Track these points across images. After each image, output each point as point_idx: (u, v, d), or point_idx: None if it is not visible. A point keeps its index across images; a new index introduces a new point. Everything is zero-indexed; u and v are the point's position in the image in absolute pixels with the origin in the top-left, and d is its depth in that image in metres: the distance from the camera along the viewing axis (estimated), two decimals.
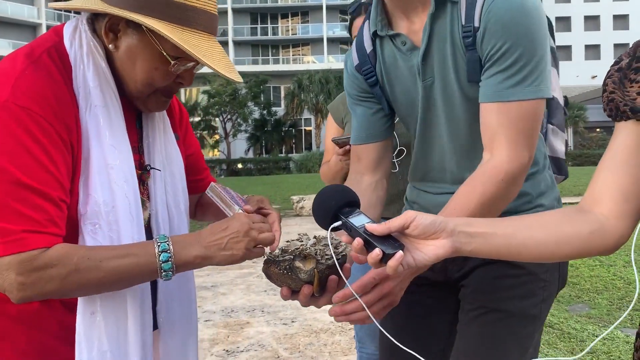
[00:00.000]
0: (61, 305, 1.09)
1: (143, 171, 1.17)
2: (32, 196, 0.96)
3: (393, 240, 0.90)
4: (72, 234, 1.04)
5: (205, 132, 36.44)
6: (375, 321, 1.04)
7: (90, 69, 1.07)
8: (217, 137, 37.99)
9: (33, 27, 39.80)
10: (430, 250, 0.89)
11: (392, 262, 0.87)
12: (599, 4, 41.93)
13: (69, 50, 1.07)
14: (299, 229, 9.11)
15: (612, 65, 0.95)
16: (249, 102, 36.54)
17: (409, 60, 1.28)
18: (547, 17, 1.40)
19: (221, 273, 5.97)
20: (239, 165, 36.24)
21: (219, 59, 1.08)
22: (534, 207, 1.31)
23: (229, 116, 36.20)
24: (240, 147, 38.78)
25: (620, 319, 0.95)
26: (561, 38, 42.31)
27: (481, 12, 1.15)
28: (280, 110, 38.82)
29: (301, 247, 1.06)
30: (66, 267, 0.96)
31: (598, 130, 35.80)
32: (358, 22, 2.05)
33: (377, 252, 0.87)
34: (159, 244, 1.03)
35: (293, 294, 1.08)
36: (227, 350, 3.61)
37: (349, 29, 2.17)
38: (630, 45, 0.94)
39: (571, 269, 5.35)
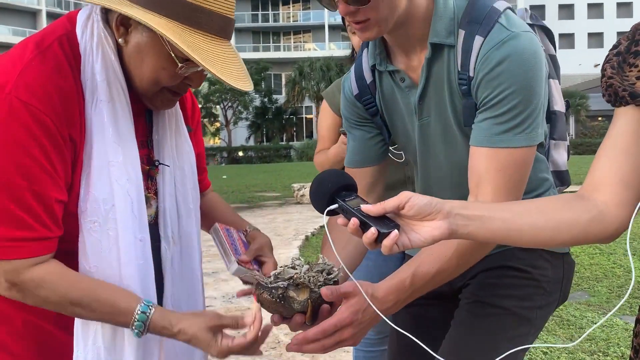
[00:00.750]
0: None
1: (151, 167, 1.15)
2: (26, 197, 0.95)
3: (388, 221, 0.90)
4: (73, 229, 1.04)
5: (206, 119, 36.40)
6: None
7: (99, 61, 1.04)
8: (217, 124, 37.98)
9: (33, 13, 39.62)
10: (426, 232, 0.88)
11: (387, 242, 0.87)
12: None
13: (80, 40, 1.04)
14: (299, 217, 9.13)
15: (610, 50, 0.93)
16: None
17: (406, 97, 1.26)
18: (548, 28, 1.38)
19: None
20: (240, 153, 36.26)
21: (228, 65, 1.04)
22: None
23: (229, 104, 36.16)
24: (241, 134, 38.76)
25: (617, 306, 0.95)
26: (564, 26, 42.05)
27: (475, 62, 1.12)
28: (281, 98, 38.75)
29: (295, 276, 1.04)
30: (44, 296, 1.00)
31: (600, 118, 35.71)
32: None
33: (372, 232, 0.87)
34: (139, 311, 1.03)
35: (284, 319, 1.07)
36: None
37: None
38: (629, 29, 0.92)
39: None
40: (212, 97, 35.16)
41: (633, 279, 0.88)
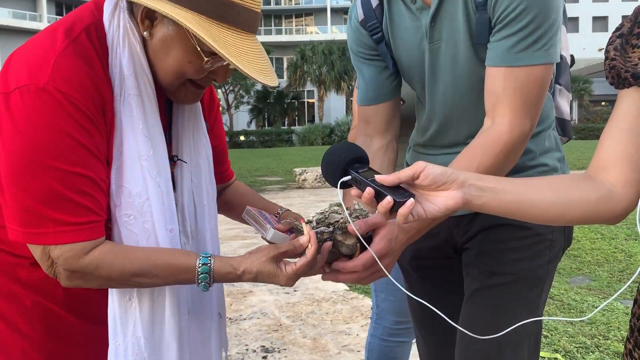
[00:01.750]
0: None
1: (170, 162, 1.15)
2: (79, 183, 0.96)
3: (403, 191, 0.89)
4: (107, 222, 1.04)
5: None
6: (388, 275, 1.05)
7: (126, 54, 1.03)
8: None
9: None
10: (440, 201, 0.89)
11: (402, 210, 0.87)
12: None
13: (107, 31, 1.03)
14: (301, 201, 9.15)
15: (613, 32, 0.93)
16: None
17: (417, 20, 1.23)
18: None
19: (224, 243, 6.02)
20: (242, 138, 36.19)
21: (254, 59, 1.03)
22: (537, 164, 1.29)
23: (230, 88, 35.98)
24: (242, 119, 38.67)
25: (621, 290, 0.95)
26: (568, 9, 41.56)
27: None
28: (282, 82, 38.55)
29: (341, 220, 1.03)
30: (106, 275, 1.00)
31: (603, 103, 35.55)
32: None
33: (388, 200, 0.87)
34: (200, 264, 1.03)
35: (326, 264, 1.07)
36: (230, 318, 3.66)
37: None
38: (632, 11, 0.92)
39: (572, 242, 5.38)
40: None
41: None
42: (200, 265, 1.02)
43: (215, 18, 0.98)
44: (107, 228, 1.04)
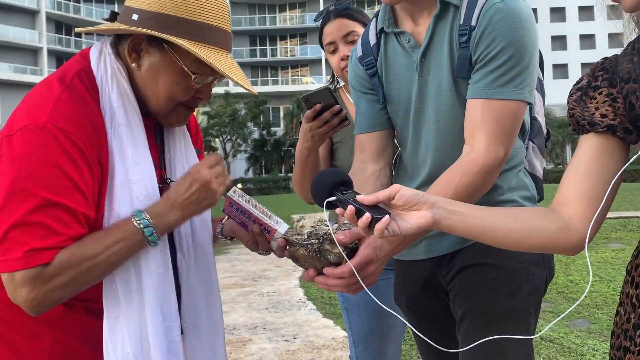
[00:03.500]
0: (83, 310, 1.16)
1: (164, 184, 1.23)
2: (58, 212, 1.03)
3: (381, 209, 0.99)
4: None
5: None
6: (363, 286, 1.11)
7: (115, 90, 1.14)
8: None
9: (34, 51, 40.13)
10: (413, 220, 0.98)
11: (379, 225, 0.96)
12: (593, 22, 42.48)
13: (96, 74, 1.15)
14: None
15: (574, 85, 1.07)
16: (249, 122, 36.79)
17: (409, 57, 1.38)
18: (540, 53, 1.50)
19: (223, 292, 5.99)
20: (239, 186, 36.27)
21: (237, 72, 1.16)
22: (505, 200, 1.37)
23: (228, 136, 36.41)
24: (240, 167, 38.90)
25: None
26: (558, 57, 42.74)
27: (479, 14, 1.27)
28: (279, 130, 39.05)
29: (328, 231, 1.13)
30: (69, 273, 1.04)
31: None
32: (329, 28, 1.93)
33: (366, 216, 0.97)
34: (138, 221, 1.09)
35: (318, 273, 1.14)
36: None
37: (320, 39, 2.02)
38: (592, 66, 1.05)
39: (571, 285, 5.38)
40: (211, 130, 35.46)
41: (588, 287, 0.93)
42: (136, 220, 1.09)
43: (196, 39, 1.12)
44: None
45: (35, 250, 1.01)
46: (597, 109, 0.99)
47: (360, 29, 1.90)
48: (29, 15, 39.67)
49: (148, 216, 1.10)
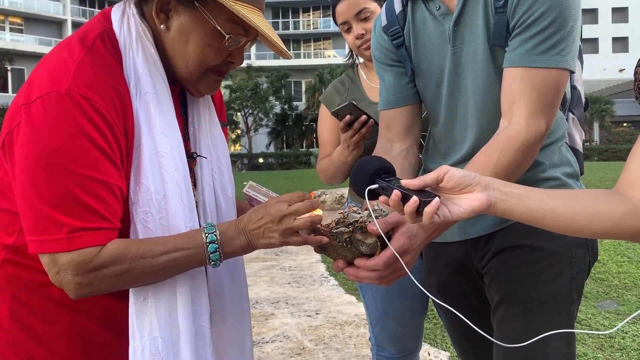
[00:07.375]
0: None
1: (189, 158, 1.16)
2: (94, 187, 0.97)
3: (428, 193, 0.92)
4: (124, 221, 1.05)
5: (227, 126, 36.68)
6: (409, 273, 1.05)
7: (140, 55, 1.07)
8: (238, 131, 38.22)
9: (59, 23, 40.45)
10: (465, 203, 0.90)
11: (428, 209, 0.89)
12: None
13: (119, 37, 1.07)
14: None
15: None
16: (270, 96, 36.65)
17: (440, 26, 1.28)
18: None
19: (245, 265, 6.03)
20: (260, 160, 36.42)
21: (272, 32, 1.09)
22: (547, 178, 1.28)
23: (250, 111, 36.38)
24: (261, 141, 38.94)
25: None
26: (588, 30, 41.47)
27: None
28: (301, 105, 38.83)
29: (360, 219, 1.04)
30: (120, 266, 0.99)
31: (625, 124, 35.08)
32: (340, 7, 1.89)
33: (414, 199, 0.89)
34: (206, 234, 1.03)
35: (348, 264, 1.08)
36: (253, 342, 3.64)
37: (333, 18, 1.99)
38: None
39: (599, 265, 5.27)
40: (233, 104, 35.44)
41: None
42: (206, 235, 1.03)
43: None
44: (123, 228, 1.04)
45: (77, 231, 0.96)
46: None
47: (372, 5, 1.86)
48: None
49: (218, 232, 1.04)
